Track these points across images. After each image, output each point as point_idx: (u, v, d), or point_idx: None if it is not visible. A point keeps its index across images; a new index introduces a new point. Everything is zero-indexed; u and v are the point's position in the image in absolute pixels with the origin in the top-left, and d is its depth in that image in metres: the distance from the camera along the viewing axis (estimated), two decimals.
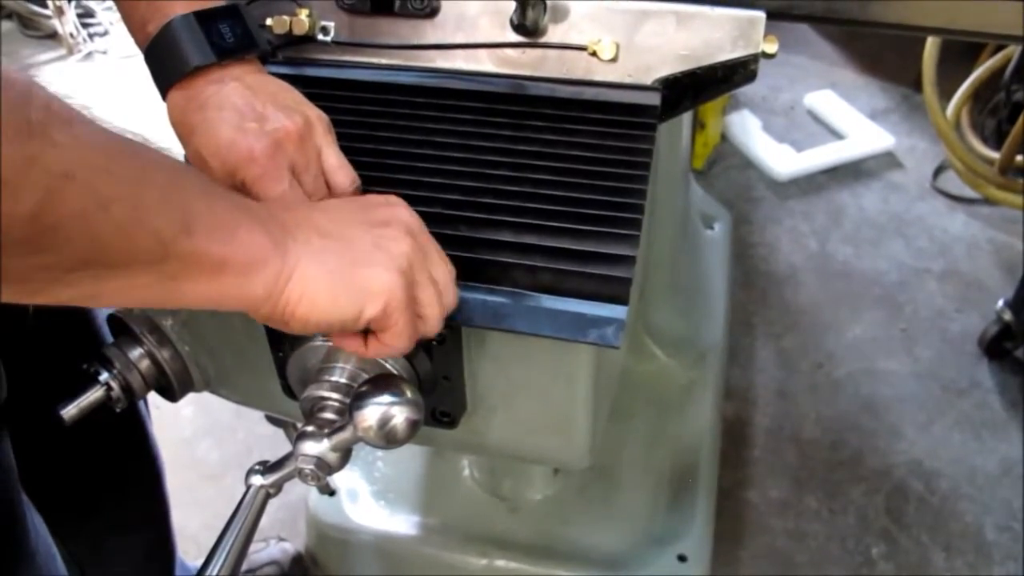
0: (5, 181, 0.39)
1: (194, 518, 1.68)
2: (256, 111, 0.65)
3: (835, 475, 1.75)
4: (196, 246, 0.48)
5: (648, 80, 0.82)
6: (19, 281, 0.43)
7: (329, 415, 0.65)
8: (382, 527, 1.37)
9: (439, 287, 0.61)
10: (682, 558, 1.34)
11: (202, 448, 1.86)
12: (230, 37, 0.67)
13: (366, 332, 0.60)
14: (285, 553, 1.55)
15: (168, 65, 0.66)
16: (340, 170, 0.67)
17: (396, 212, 0.61)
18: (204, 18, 0.66)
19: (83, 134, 0.44)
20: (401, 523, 1.38)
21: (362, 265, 0.56)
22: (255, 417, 1.88)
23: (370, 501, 1.41)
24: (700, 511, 1.42)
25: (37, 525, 0.87)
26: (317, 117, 0.67)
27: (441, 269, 0.61)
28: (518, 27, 0.83)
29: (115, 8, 2.55)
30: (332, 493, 1.40)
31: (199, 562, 1.46)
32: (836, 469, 1.76)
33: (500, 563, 1.32)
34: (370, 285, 0.56)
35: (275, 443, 1.82)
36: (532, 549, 1.33)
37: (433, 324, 0.61)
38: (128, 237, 0.45)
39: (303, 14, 0.86)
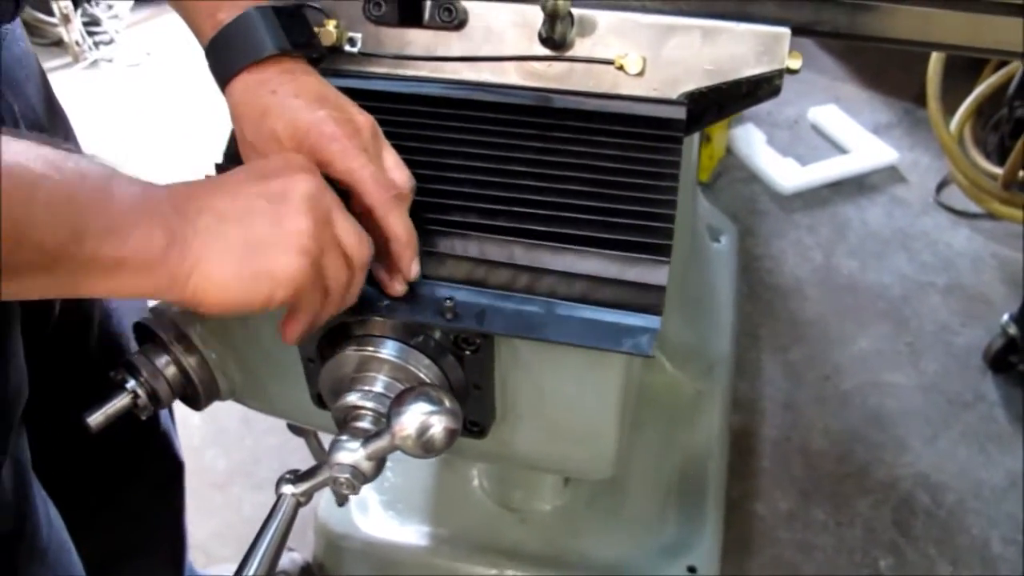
0: None
1: (202, 527, 1.68)
2: (332, 101, 0.68)
3: (842, 487, 1.75)
4: (87, 252, 0.51)
5: (674, 94, 0.83)
6: None
7: (364, 424, 0.66)
8: (391, 537, 1.37)
9: (346, 249, 0.62)
10: (691, 569, 1.34)
11: (209, 456, 1.85)
12: (300, 34, 0.71)
13: None
14: (294, 563, 1.55)
15: (241, 50, 0.69)
16: (397, 168, 0.69)
17: (294, 182, 0.60)
18: (278, 13, 0.70)
19: None
20: (410, 533, 1.38)
21: (267, 251, 0.57)
22: (262, 426, 1.88)
23: (379, 511, 1.41)
24: (709, 522, 1.42)
25: (52, 519, 0.87)
26: (376, 122, 0.71)
27: (346, 228, 0.62)
28: (546, 40, 0.83)
29: (120, 17, 2.55)
30: (341, 504, 1.40)
31: (208, 571, 1.46)
32: (843, 481, 1.76)
33: (509, 573, 1.32)
34: (276, 271, 0.58)
35: (282, 453, 1.83)
36: (542, 560, 1.33)
37: (337, 296, 0.63)
38: (13, 250, 0.48)
39: (331, 25, 0.87)
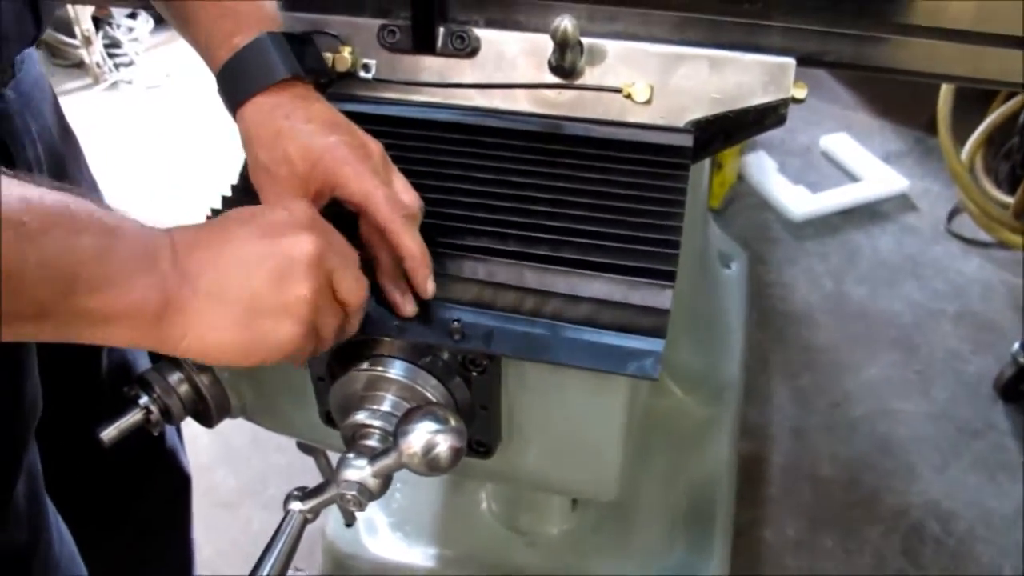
0: None
1: (208, 546, 1.69)
2: (343, 127, 0.70)
3: (851, 515, 1.75)
4: (79, 305, 0.51)
5: (681, 122, 0.84)
6: None
7: (371, 442, 0.67)
8: (399, 558, 1.37)
9: (344, 297, 0.62)
10: None
11: (218, 475, 1.87)
12: (312, 60, 0.73)
13: None
14: None
15: (254, 74, 0.70)
16: (406, 191, 0.71)
17: (300, 243, 0.59)
18: (289, 39, 0.72)
19: None
20: (418, 555, 1.38)
21: (265, 318, 0.57)
22: (271, 446, 1.89)
23: (387, 532, 1.41)
24: (717, 549, 1.42)
25: (63, 534, 0.89)
26: (383, 148, 0.72)
27: (349, 286, 0.62)
28: (555, 68, 0.85)
29: (140, 39, 2.59)
30: (350, 524, 1.40)
31: None
32: (852, 509, 1.76)
33: None
34: (272, 339, 0.58)
35: (290, 472, 1.84)
36: None
37: (328, 344, 0.63)
38: (9, 301, 0.48)
39: (346, 51, 0.89)
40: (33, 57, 0.85)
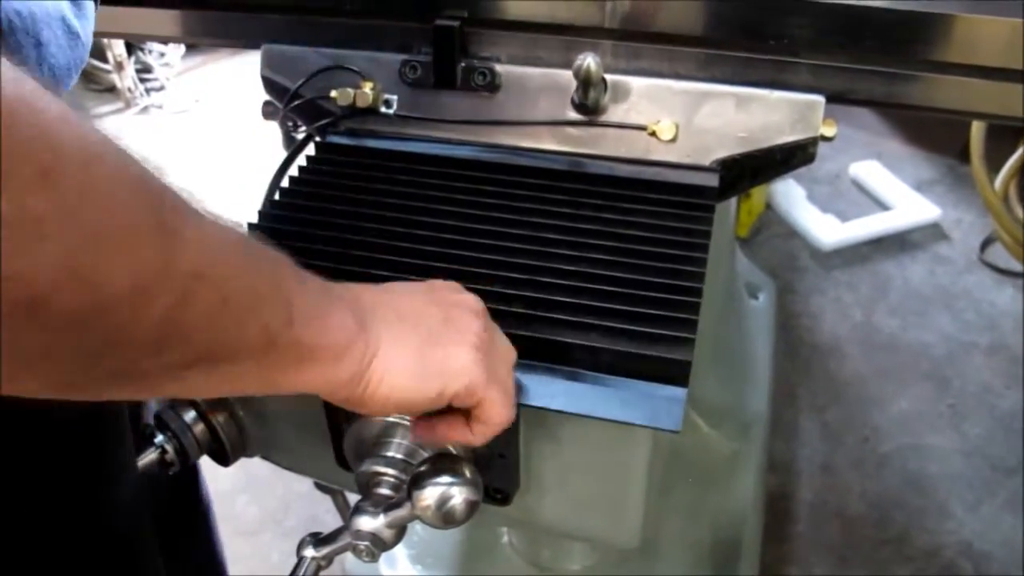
0: (143, 288, 0.38)
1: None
2: None
3: (881, 554, 1.70)
4: (295, 336, 0.48)
5: (706, 161, 0.83)
6: (140, 379, 0.42)
7: (385, 491, 0.65)
8: None
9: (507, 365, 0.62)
10: None
11: (240, 503, 1.86)
12: None
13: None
14: None
15: None
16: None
17: (462, 295, 0.61)
18: None
19: (208, 232, 0.43)
20: None
21: (440, 344, 0.56)
22: (293, 473, 1.88)
23: (407, 565, 1.40)
24: None
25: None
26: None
27: (506, 348, 0.63)
28: (579, 106, 0.84)
29: (171, 64, 2.60)
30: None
31: None
32: (882, 548, 1.71)
33: None
34: (450, 364, 0.56)
35: (312, 501, 1.83)
36: None
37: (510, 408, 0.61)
38: (242, 330, 0.45)
39: (367, 87, 0.88)
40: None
